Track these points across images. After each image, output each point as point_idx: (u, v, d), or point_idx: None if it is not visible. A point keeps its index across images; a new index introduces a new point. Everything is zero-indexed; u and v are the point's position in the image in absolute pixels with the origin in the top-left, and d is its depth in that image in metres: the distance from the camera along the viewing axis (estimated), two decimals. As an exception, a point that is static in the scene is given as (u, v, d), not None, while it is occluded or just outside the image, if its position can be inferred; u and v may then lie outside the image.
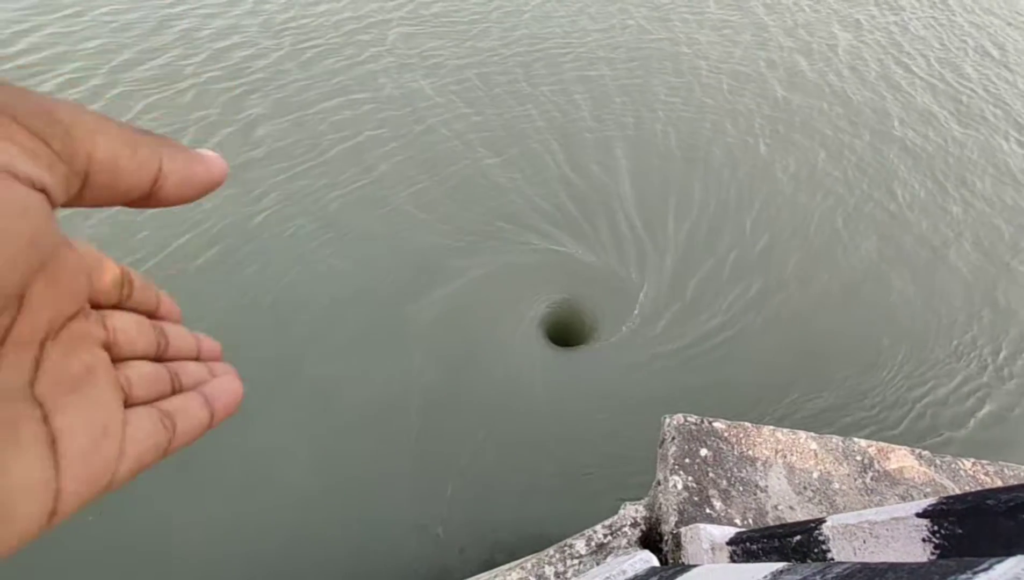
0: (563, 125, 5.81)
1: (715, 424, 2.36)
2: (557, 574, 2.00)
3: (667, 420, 2.36)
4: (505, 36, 6.50)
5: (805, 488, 2.10)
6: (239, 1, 6.24)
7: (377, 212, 4.88)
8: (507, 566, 2.16)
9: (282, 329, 4.12)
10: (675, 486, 2.07)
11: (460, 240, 4.81)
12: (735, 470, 2.21)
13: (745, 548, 1.55)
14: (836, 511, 1.98)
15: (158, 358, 0.40)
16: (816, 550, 1.32)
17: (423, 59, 6.14)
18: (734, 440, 2.32)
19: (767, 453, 2.27)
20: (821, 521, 1.36)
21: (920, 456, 2.08)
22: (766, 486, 2.12)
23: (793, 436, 2.28)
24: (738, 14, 7.46)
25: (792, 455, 2.23)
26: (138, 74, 5.32)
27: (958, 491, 2.06)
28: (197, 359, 0.43)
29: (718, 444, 2.31)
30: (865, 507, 1.97)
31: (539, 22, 6.74)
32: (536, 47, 6.47)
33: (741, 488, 2.11)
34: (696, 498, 2.05)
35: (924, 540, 1.10)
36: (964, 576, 0.73)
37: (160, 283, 0.40)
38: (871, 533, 1.22)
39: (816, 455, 2.17)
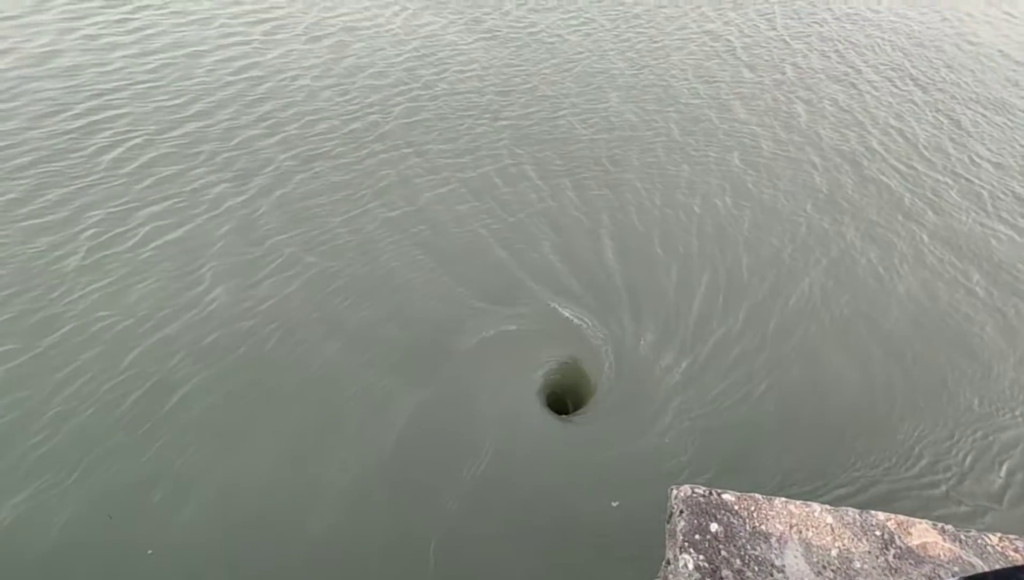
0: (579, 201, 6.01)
1: (724, 496, 2.24)
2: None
3: (674, 492, 2.24)
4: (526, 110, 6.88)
5: (824, 568, 1.96)
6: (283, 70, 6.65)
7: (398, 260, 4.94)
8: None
9: (300, 367, 4.19)
10: (686, 566, 1.94)
11: (469, 304, 4.85)
12: (748, 547, 2.07)
13: (766, 638, 1.42)
14: (860, 593, 1.84)
15: None
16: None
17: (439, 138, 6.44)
18: (745, 514, 2.20)
19: (781, 528, 2.14)
20: (847, 606, 1.26)
21: (943, 531, 1.96)
22: (783, 565, 1.98)
23: (807, 509, 2.17)
24: (728, 75, 7.95)
25: (808, 530, 2.10)
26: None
27: (986, 569, 1.93)
28: None
29: (729, 518, 2.19)
30: (890, 589, 1.83)
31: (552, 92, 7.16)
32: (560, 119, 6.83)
33: (756, 568, 1.97)
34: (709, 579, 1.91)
35: (962, 629, 1.01)
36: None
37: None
38: (903, 620, 1.12)
39: (833, 530, 2.05)
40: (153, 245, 4.85)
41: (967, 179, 7.06)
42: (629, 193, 6.18)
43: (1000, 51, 9.81)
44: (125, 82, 6.36)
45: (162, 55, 6.83)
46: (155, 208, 5.13)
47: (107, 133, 5.73)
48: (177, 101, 6.27)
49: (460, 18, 8.48)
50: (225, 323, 4.43)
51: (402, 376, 4.34)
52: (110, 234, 4.85)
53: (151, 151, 5.66)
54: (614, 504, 3.77)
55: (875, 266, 5.83)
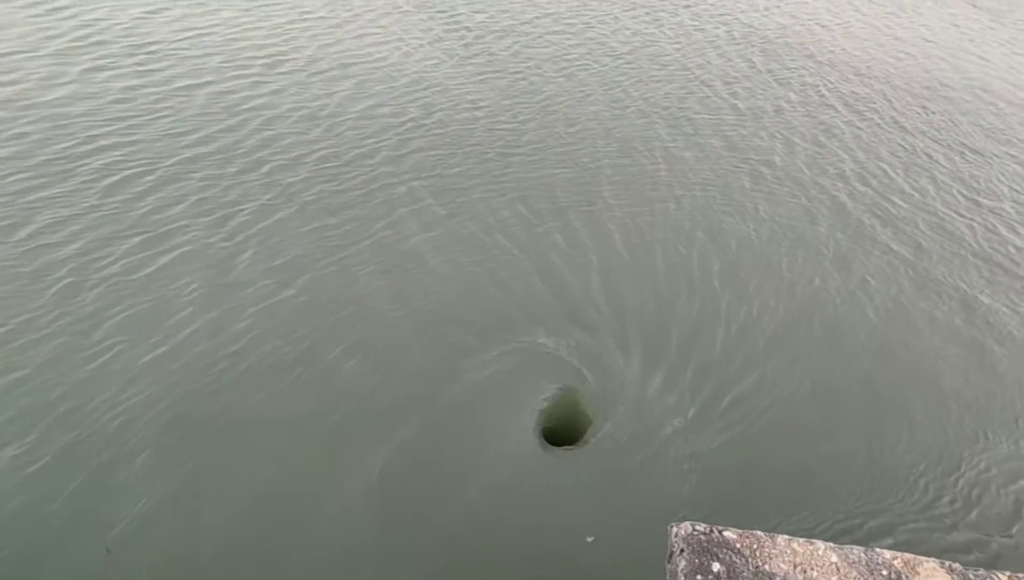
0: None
1: (726, 534, 2.18)
2: None
3: (674, 529, 2.18)
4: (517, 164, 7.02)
5: (831, 609, 1.90)
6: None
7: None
8: None
9: (287, 398, 4.14)
10: (689, 609, 1.86)
11: (462, 337, 4.83)
12: (752, 588, 2.00)
13: None
14: (869, 637, 1.78)
15: None
16: None
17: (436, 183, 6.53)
18: (748, 552, 2.14)
19: (785, 567, 2.08)
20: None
21: (951, 569, 1.92)
22: (788, 607, 1.92)
23: (811, 547, 2.11)
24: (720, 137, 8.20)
25: (812, 569, 2.05)
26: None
27: (995, 610, 1.88)
28: None
29: (731, 557, 2.12)
30: (900, 631, 1.77)
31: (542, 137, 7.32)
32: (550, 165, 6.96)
33: (761, 610, 1.91)
34: (713, 623, 1.84)
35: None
36: None
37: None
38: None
39: (838, 569, 1.99)
40: (142, 273, 4.80)
41: (945, 215, 7.26)
42: (619, 227, 6.26)
43: (983, 87, 10.26)
44: (123, 113, 6.41)
45: (162, 87, 6.92)
46: (148, 235, 5.11)
47: (103, 162, 5.73)
48: (173, 132, 6.32)
49: (453, 57, 8.73)
50: (211, 351, 4.35)
51: (393, 407, 4.27)
52: (100, 262, 4.82)
53: (146, 180, 5.66)
54: (589, 539, 3.67)
55: (866, 299, 5.90)
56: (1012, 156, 8.66)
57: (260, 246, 5.26)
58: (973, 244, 6.85)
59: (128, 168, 5.74)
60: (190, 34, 7.97)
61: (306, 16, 9.03)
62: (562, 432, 4.45)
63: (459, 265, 5.51)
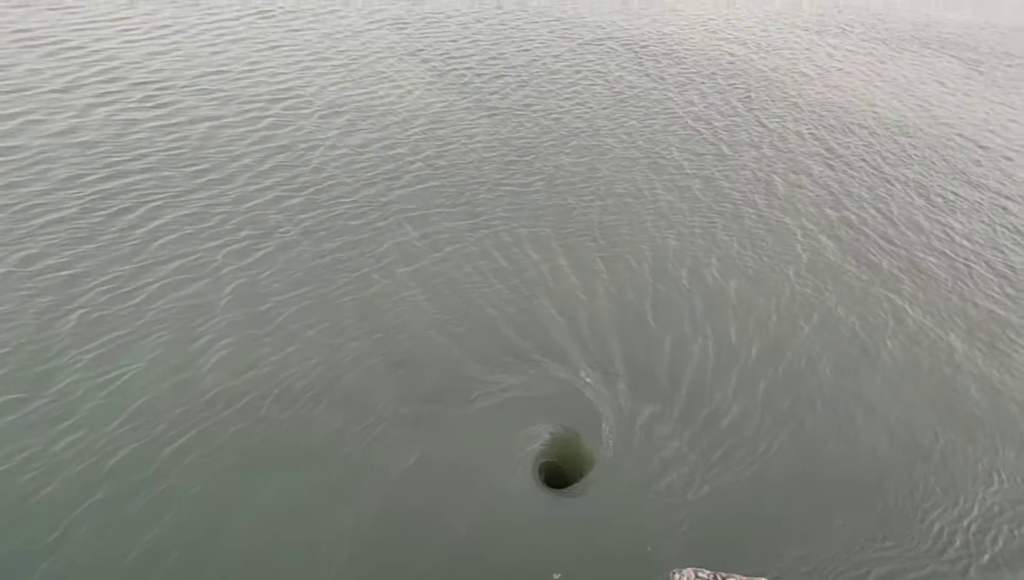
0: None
1: (730, 581, 2.07)
2: None
3: (676, 576, 2.07)
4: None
5: (844, 665, 1.77)
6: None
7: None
8: None
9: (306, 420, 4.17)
10: (693, 664, 1.74)
11: (465, 370, 4.78)
12: (760, 641, 1.88)
13: None
14: None
15: None
16: None
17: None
18: (754, 601, 2.02)
19: (793, 618, 1.96)
20: None
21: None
22: (799, 662, 1.79)
23: (820, 596, 1.99)
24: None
25: (822, 620, 1.92)
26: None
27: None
28: None
29: (736, 606, 2.00)
30: None
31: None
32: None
33: (770, 665, 1.78)
34: (719, 680, 1.71)
35: None
36: None
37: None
38: None
39: (850, 620, 1.87)
40: (155, 305, 4.83)
41: (941, 251, 7.27)
42: (620, 264, 6.23)
43: (960, 134, 10.47)
44: (142, 152, 6.51)
45: (162, 122, 7.04)
46: (161, 270, 5.16)
47: (122, 199, 5.84)
48: (190, 171, 6.40)
49: (446, 99, 8.92)
50: (222, 381, 4.33)
51: (393, 439, 4.18)
52: (117, 293, 4.86)
53: (162, 217, 5.73)
54: (556, 577, 3.50)
55: (859, 334, 5.81)
56: (990, 200, 8.72)
57: (247, 280, 5.23)
58: (957, 285, 6.79)
59: (146, 204, 5.83)
60: (195, 72, 8.18)
61: (309, 57, 9.29)
62: (555, 472, 4.31)
63: (468, 297, 5.48)
